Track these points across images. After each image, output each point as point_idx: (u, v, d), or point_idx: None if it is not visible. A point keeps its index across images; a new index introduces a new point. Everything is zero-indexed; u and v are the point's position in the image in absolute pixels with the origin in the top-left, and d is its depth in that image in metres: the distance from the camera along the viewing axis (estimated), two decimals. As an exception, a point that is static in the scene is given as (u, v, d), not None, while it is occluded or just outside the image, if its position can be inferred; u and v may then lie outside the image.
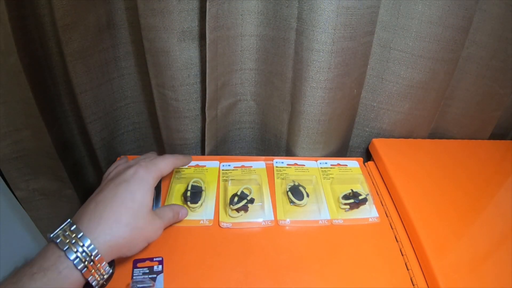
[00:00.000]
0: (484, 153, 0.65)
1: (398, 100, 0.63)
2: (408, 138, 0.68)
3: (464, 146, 0.67)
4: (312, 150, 0.65)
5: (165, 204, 0.54)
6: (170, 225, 0.50)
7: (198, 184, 0.56)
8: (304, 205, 0.55)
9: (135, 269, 0.44)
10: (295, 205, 0.55)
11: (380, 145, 0.65)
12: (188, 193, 0.54)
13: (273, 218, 0.53)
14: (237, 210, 0.52)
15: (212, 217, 0.52)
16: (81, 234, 0.38)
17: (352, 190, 0.57)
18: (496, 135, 0.74)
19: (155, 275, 0.44)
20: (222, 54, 0.57)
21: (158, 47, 0.54)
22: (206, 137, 0.63)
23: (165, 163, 0.48)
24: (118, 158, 0.64)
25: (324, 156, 0.67)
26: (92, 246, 0.37)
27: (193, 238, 0.49)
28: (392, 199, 0.57)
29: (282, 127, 0.67)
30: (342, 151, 0.71)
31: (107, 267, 0.39)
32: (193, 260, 0.46)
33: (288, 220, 0.53)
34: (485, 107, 0.67)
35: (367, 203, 0.55)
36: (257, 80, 0.64)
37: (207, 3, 0.49)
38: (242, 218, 0.52)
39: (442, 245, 0.47)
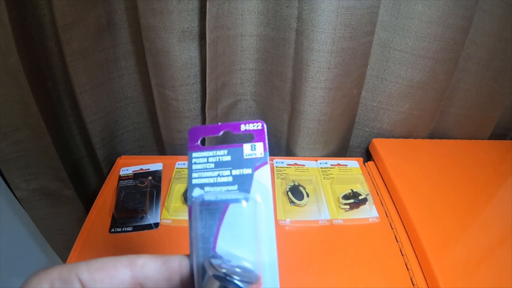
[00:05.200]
0: (484, 153, 0.65)
1: (398, 100, 0.63)
2: (408, 138, 0.68)
3: (464, 146, 0.67)
4: (312, 150, 0.65)
5: (165, 205, 0.54)
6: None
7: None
8: (304, 205, 0.55)
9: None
10: (295, 205, 0.55)
11: (380, 145, 0.65)
12: (188, 193, 0.54)
13: (273, 218, 0.53)
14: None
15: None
16: None
17: (352, 190, 0.57)
18: (496, 135, 0.74)
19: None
20: (222, 54, 0.57)
21: (158, 47, 0.54)
22: (206, 137, 0.63)
23: None
24: (119, 158, 0.64)
25: (324, 156, 0.67)
26: None
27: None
28: (392, 199, 0.57)
29: (282, 127, 0.67)
30: (342, 151, 0.71)
31: None
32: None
33: (288, 220, 0.53)
34: (485, 107, 0.67)
35: (367, 203, 0.55)
36: (257, 80, 0.64)
37: (207, 3, 0.48)
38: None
39: (442, 245, 0.47)
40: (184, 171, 0.60)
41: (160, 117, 0.63)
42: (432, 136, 0.71)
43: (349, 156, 0.73)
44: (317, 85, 0.56)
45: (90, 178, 0.72)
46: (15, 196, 0.64)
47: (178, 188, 0.57)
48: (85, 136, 0.64)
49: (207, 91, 0.57)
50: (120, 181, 0.57)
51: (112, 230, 0.51)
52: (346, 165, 0.64)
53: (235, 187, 0.23)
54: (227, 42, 0.57)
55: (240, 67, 0.62)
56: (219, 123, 0.24)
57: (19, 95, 0.53)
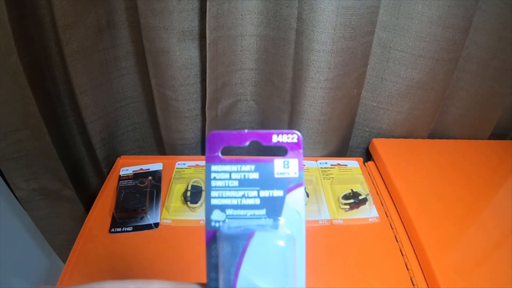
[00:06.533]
0: (484, 153, 0.65)
1: (398, 100, 0.63)
2: (408, 138, 0.68)
3: (464, 146, 0.67)
4: (312, 150, 0.65)
5: (165, 205, 0.54)
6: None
7: (198, 184, 0.56)
8: (304, 205, 0.55)
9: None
10: (295, 205, 0.55)
11: (380, 145, 0.65)
12: (188, 193, 0.54)
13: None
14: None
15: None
16: None
17: (352, 190, 0.57)
18: (496, 135, 0.74)
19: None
20: (222, 54, 0.57)
21: (158, 47, 0.54)
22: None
23: None
24: (119, 158, 0.64)
25: (324, 156, 0.67)
26: None
27: (193, 238, 0.49)
28: (392, 199, 0.57)
29: (282, 127, 0.67)
30: (342, 151, 0.71)
31: None
32: (195, 260, 0.46)
33: (288, 220, 0.53)
34: (485, 107, 0.67)
35: (367, 203, 0.55)
36: (257, 80, 0.64)
37: (207, 3, 0.48)
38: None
39: (442, 245, 0.47)
40: (184, 171, 0.60)
41: (160, 117, 0.63)
42: (432, 136, 0.71)
43: (349, 156, 0.73)
44: (317, 85, 0.56)
45: (90, 178, 0.72)
46: (15, 196, 0.64)
47: (178, 188, 0.57)
48: (85, 136, 0.64)
49: (207, 91, 0.57)
50: (120, 181, 0.57)
51: (112, 230, 0.51)
52: (346, 165, 0.64)
53: (263, 211, 0.20)
54: (227, 42, 0.57)
55: (240, 67, 0.62)
56: (246, 130, 0.20)
57: (19, 95, 0.53)
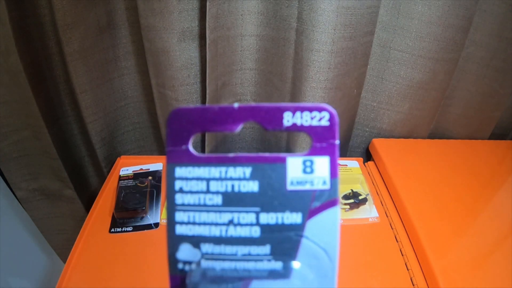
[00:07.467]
0: (484, 153, 0.65)
1: (398, 100, 0.63)
2: (408, 138, 0.68)
3: (464, 146, 0.67)
4: (312, 150, 0.65)
5: (165, 205, 0.54)
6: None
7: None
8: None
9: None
10: (295, 205, 0.55)
11: (380, 145, 0.65)
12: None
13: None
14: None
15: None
16: None
17: (352, 190, 0.57)
18: (496, 135, 0.74)
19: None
20: (222, 54, 0.57)
21: (158, 47, 0.54)
22: (206, 137, 0.63)
23: None
24: (119, 158, 0.64)
25: (324, 156, 0.66)
26: None
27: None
28: (392, 199, 0.57)
29: (282, 127, 0.67)
30: (342, 151, 0.71)
31: None
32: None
33: (288, 220, 0.53)
34: (485, 107, 0.67)
35: (367, 203, 0.55)
36: (257, 80, 0.64)
37: (207, 3, 0.49)
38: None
39: (442, 245, 0.47)
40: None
41: (160, 117, 0.64)
42: (432, 136, 0.71)
43: (349, 156, 0.73)
44: (317, 85, 0.56)
45: (90, 178, 0.72)
46: (15, 196, 0.64)
47: (178, 188, 0.57)
48: (85, 136, 0.64)
49: (207, 91, 0.57)
50: (120, 181, 0.57)
51: (112, 230, 0.51)
52: (346, 165, 0.64)
53: (266, 249, 0.12)
54: (227, 42, 0.57)
55: (240, 67, 0.62)
56: (236, 104, 0.12)
57: (19, 95, 0.53)
